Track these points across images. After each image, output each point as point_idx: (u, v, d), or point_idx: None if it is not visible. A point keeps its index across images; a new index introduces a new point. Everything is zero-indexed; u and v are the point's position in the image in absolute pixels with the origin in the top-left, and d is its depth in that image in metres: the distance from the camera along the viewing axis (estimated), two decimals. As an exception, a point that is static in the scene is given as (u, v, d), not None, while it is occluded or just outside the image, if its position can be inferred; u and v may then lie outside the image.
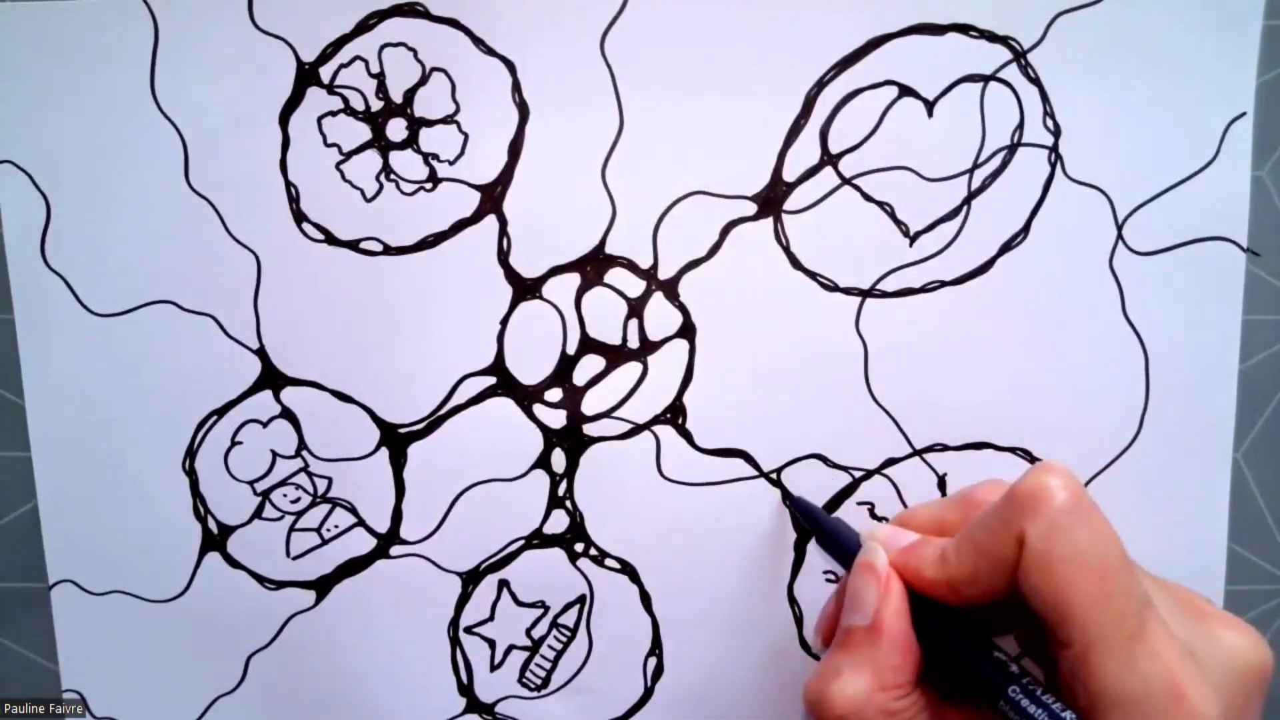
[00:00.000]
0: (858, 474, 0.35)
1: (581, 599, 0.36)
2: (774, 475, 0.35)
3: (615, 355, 0.35)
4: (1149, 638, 0.22)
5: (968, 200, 0.34)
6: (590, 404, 0.35)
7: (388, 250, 0.34)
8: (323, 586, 0.36)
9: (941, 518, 0.29)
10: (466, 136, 0.34)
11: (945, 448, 0.35)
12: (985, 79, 0.33)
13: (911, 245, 0.34)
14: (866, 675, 0.25)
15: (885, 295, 0.34)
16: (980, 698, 0.25)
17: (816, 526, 0.33)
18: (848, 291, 0.34)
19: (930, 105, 0.33)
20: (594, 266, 0.34)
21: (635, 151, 0.34)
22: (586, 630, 0.36)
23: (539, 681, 0.37)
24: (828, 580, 0.36)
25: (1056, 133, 0.33)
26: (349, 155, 0.34)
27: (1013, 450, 0.35)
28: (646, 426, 0.35)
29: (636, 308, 0.35)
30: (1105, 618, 0.22)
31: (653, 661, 0.36)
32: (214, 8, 0.33)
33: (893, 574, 0.26)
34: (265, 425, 0.35)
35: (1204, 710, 0.22)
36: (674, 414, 0.35)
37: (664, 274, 0.34)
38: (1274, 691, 0.34)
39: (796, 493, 0.35)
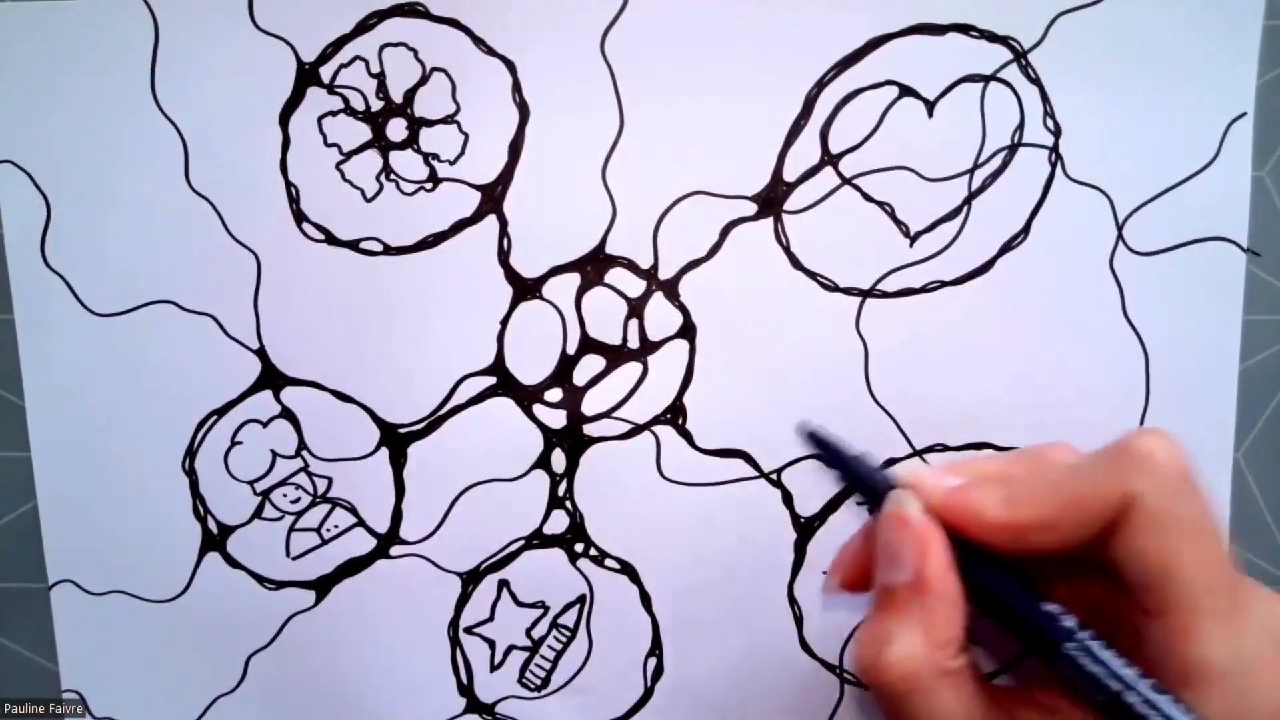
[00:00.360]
0: (858, 474, 0.35)
1: (581, 599, 0.36)
2: (774, 475, 0.35)
3: (615, 355, 0.35)
4: (1251, 615, 0.22)
5: (968, 200, 0.34)
6: (590, 404, 0.35)
7: (388, 250, 0.34)
8: (323, 586, 0.36)
9: (1006, 470, 0.26)
10: (466, 136, 0.34)
11: (945, 448, 0.35)
12: (985, 79, 0.33)
13: (912, 245, 0.34)
14: (918, 635, 0.23)
15: (885, 295, 0.34)
16: (1034, 652, 0.24)
17: (842, 466, 0.28)
18: (848, 291, 0.34)
19: (930, 105, 0.33)
20: (594, 266, 0.34)
21: (635, 151, 0.34)
22: (586, 630, 0.36)
23: (539, 682, 0.37)
24: (828, 580, 0.36)
25: (1057, 133, 0.33)
26: (349, 155, 0.34)
27: (1013, 450, 0.35)
28: (646, 426, 0.35)
29: (636, 308, 0.35)
30: (1214, 587, 0.22)
31: (653, 661, 0.36)
32: (214, 8, 0.33)
33: (930, 524, 0.24)
34: (265, 425, 0.35)
35: None
36: (674, 414, 0.35)
37: (664, 274, 0.34)
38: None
39: (797, 490, 0.35)
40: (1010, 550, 0.24)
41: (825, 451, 0.29)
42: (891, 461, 0.35)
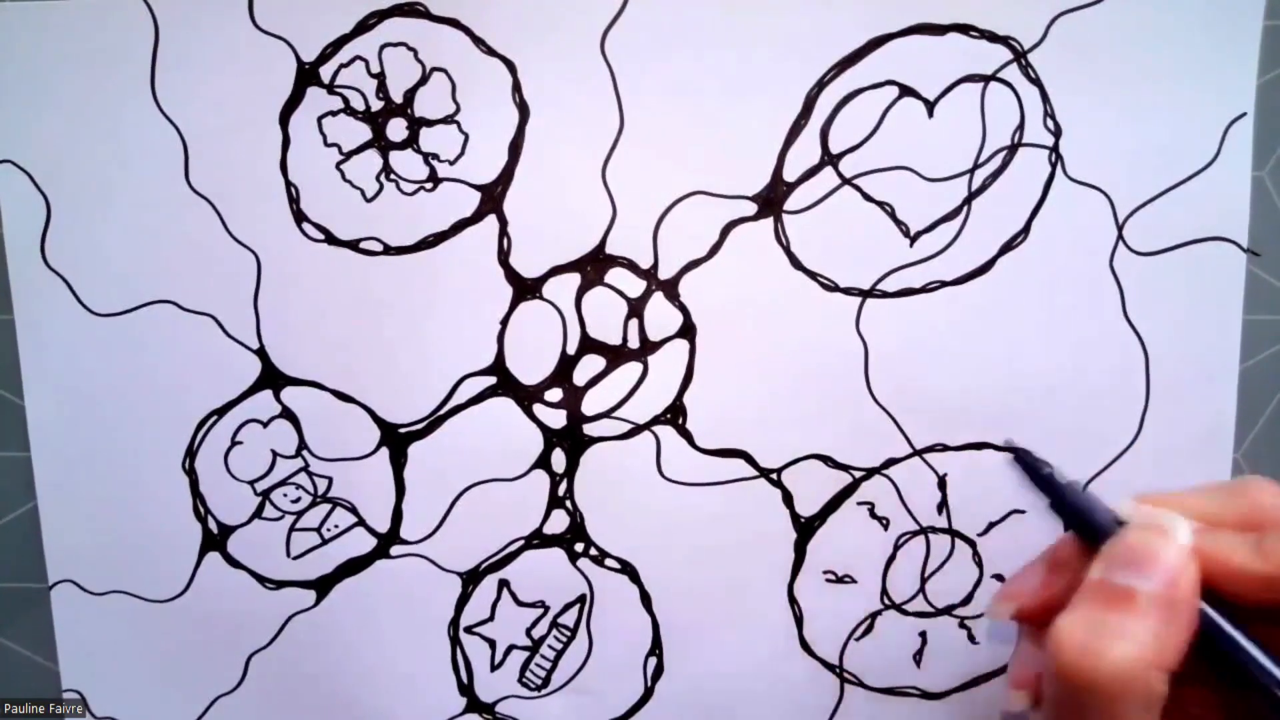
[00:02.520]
0: (858, 474, 0.35)
1: (581, 599, 0.36)
2: (774, 475, 0.35)
3: (615, 355, 0.35)
4: None
5: (968, 200, 0.34)
6: (590, 404, 0.35)
7: (388, 250, 0.34)
8: (323, 586, 0.36)
9: (1205, 508, 0.26)
10: (466, 136, 0.34)
11: (945, 448, 0.35)
12: (986, 79, 0.33)
13: (912, 245, 0.34)
14: (1150, 646, 0.22)
15: (885, 295, 0.34)
16: (1257, 696, 0.23)
17: (1055, 494, 0.29)
18: (848, 291, 0.34)
19: (930, 105, 0.33)
20: (594, 266, 0.34)
21: (635, 151, 0.34)
22: (586, 630, 0.36)
23: (539, 681, 0.37)
24: (827, 580, 0.36)
25: (1057, 133, 0.33)
26: (349, 155, 0.34)
27: (1013, 450, 0.35)
28: (646, 426, 0.35)
29: (636, 308, 0.35)
30: None
31: (653, 661, 0.36)
32: (214, 7, 0.33)
33: (1191, 552, 0.24)
34: (265, 425, 0.35)
35: None
36: (674, 414, 0.35)
37: (664, 274, 0.34)
38: None
39: (797, 490, 0.35)
40: (1250, 600, 0.23)
41: (1037, 478, 0.29)
42: (891, 461, 0.35)
